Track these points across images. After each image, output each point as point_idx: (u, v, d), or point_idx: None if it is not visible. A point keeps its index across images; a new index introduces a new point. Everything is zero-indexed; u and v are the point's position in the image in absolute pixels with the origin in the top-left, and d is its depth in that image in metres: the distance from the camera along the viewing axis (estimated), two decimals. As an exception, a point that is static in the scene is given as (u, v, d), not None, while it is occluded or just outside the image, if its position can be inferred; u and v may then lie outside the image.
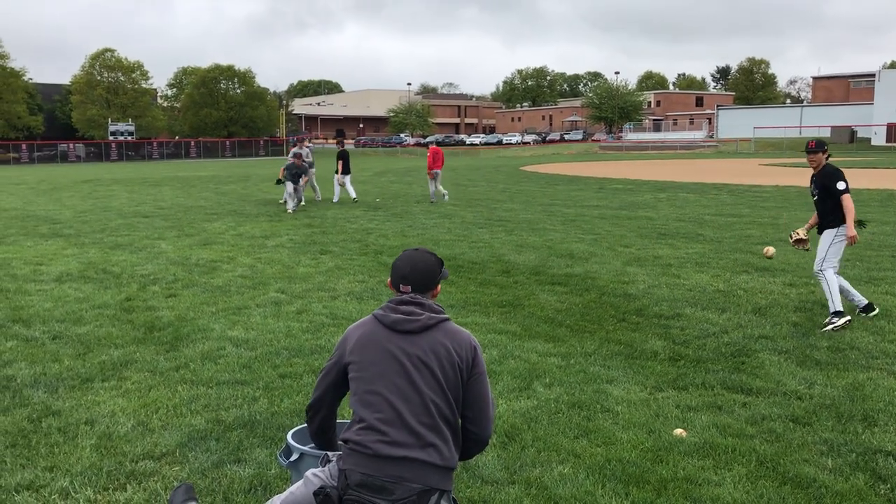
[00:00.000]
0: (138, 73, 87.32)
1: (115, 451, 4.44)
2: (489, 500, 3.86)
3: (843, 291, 7.33)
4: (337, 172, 21.27)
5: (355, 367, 2.97)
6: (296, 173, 18.62)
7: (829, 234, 7.38)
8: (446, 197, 21.11)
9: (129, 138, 79.27)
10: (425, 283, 3.05)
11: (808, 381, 5.62)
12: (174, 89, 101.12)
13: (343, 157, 21.32)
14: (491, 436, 3.09)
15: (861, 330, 6.99)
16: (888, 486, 3.98)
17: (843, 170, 7.56)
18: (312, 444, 3.32)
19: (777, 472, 4.13)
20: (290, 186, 18.56)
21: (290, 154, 19.91)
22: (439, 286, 3.15)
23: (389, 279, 3.11)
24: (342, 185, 21.33)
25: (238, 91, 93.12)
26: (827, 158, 7.43)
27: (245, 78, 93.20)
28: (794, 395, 5.33)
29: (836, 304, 7.07)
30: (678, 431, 4.66)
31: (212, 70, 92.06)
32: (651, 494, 3.87)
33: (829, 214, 7.36)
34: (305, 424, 3.30)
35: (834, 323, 6.98)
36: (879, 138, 72.15)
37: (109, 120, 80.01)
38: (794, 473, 4.10)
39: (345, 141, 23.19)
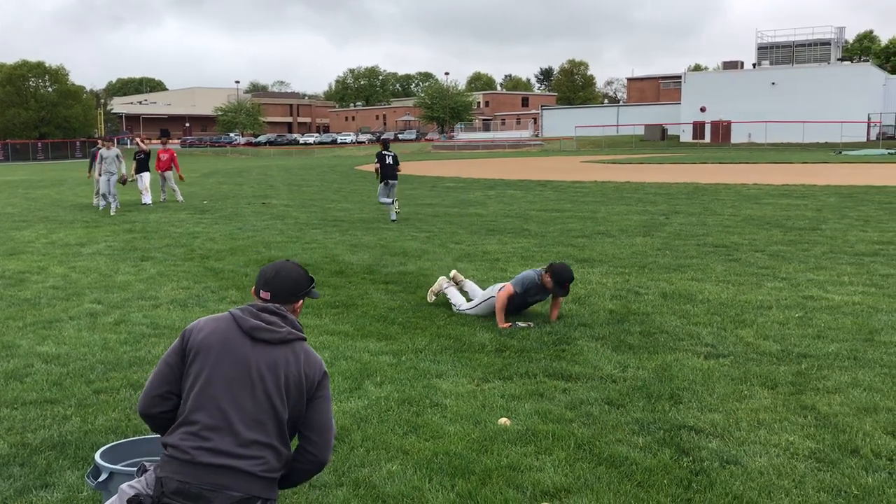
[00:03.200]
0: (-69, 68, 79.54)
1: None
2: None
3: None
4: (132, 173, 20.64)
5: (197, 361, 2.83)
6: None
7: None
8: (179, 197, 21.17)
9: (-78, 140, 71.98)
10: (287, 294, 2.99)
11: (622, 364, 5.97)
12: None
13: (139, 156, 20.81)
14: (329, 461, 3.04)
15: (669, 314, 7.52)
16: (690, 458, 4.30)
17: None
18: (125, 462, 3.15)
19: (593, 453, 4.36)
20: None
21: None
22: (301, 302, 3.06)
23: (254, 286, 3.04)
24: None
25: (50, 89, 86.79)
26: None
27: (57, 75, 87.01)
28: (609, 378, 5.65)
29: None
30: (502, 420, 4.82)
31: (19, 66, 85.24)
32: (476, 484, 3.98)
33: None
34: (116, 442, 3.13)
35: None
36: (686, 135, 77.95)
37: None
38: (609, 454, 4.35)
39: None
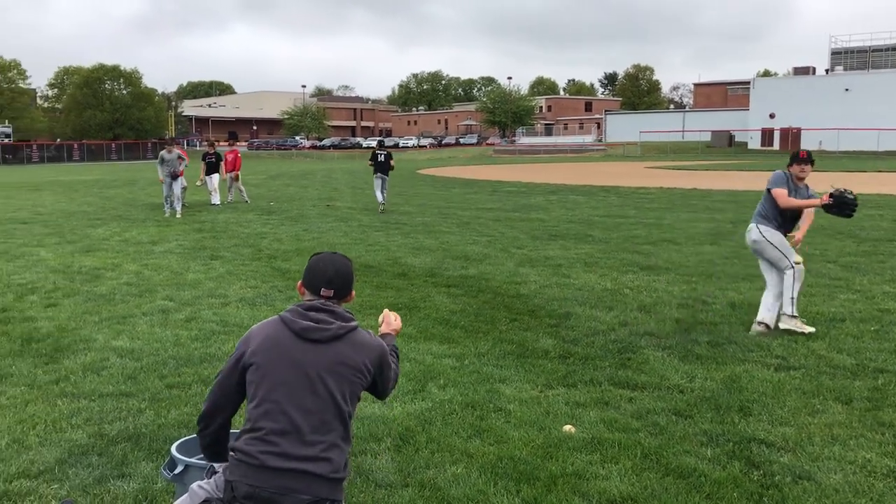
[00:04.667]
0: (15, 72, 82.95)
1: (-14, 472, 4.19)
2: None
3: None
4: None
5: (255, 370, 2.85)
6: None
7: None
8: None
9: (6, 140, 75.15)
10: (347, 289, 3.00)
11: (689, 374, 5.87)
12: (55, 90, 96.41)
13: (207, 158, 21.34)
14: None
15: (738, 325, 7.36)
16: (761, 472, 4.20)
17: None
18: (199, 456, 3.23)
19: (660, 463, 4.30)
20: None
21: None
22: (353, 293, 3.10)
23: (301, 282, 2.99)
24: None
25: (124, 92, 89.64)
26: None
27: (131, 78, 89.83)
28: (676, 388, 5.56)
29: None
30: (567, 428, 4.79)
31: (96, 70, 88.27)
32: (541, 491, 3.96)
33: None
34: (191, 436, 3.19)
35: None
36: (755, 142, 76.16)
37: (-17, 121, 75.61)
38: (676, 464, 4.28)
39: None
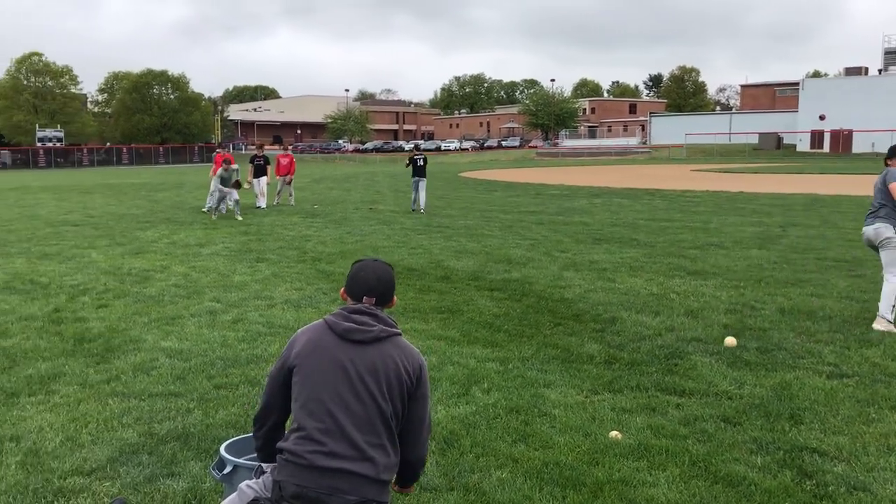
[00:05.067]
0: (67, 77, 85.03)
1: (42, 468, 4.29)
2: (428, 507, 3.86)
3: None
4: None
5: (300, 372, 2.90)
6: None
7: None
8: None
9: (58, 144, 77.05)
10: (389, 296, 3.03)
11: (738, 381, 5.77)
12: (105, 94, 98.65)
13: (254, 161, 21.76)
14: (424, 458, 3.05)
15: (788, 331, 7.22)
16: (813, 482, 4.11)
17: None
18: (248, 456, 3.26)
19: (709, 471, 4.23)
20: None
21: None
22: (395, 298, 3.13)
23: (344, 289, 3.04)
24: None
25: (172, 97, 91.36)
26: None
27: (179, 83, 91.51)
28: (724, 395, 5.47)
29: None
30: (613, 434, 4.73)
31: (144, 75, 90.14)
32: (587, 497, 3.92)
33: None
34: (240, 437, 3.23)
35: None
36: (804, 145, 74.69)
37: (37, 126, 77.58)
38: (726, 472, 4.21)
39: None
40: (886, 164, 7.49)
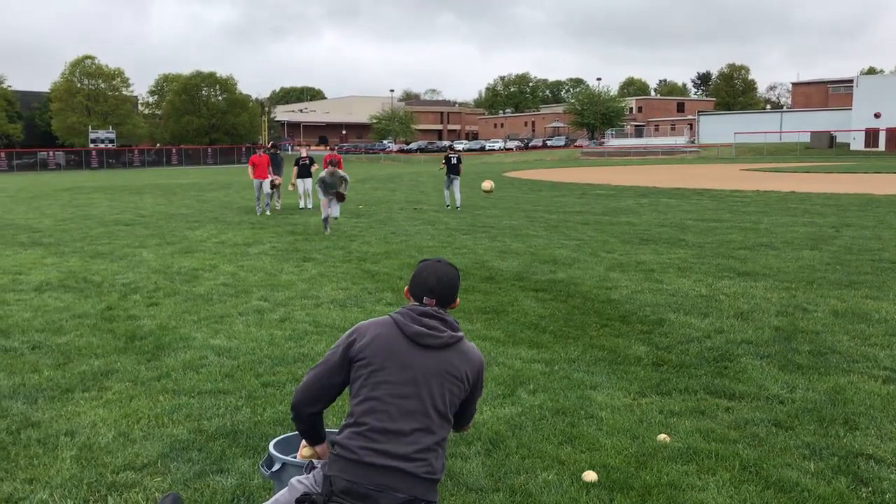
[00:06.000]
0: (119, 80, 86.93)
1: (95, 463, 4.39)
2: (474, 507, 3.84)
3: None
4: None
5: (364, 365, 2.90)
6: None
7: None
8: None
9: (110, 146, 78.75)
10: (451, 298, 3.04)
11: (789, 385, 5.65)
12: (155, 96, 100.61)
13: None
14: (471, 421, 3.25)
15: (842, 334, 7.04)
16: (869, 489, 4.00)
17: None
18: (294, 454, 3.28)
19: (760, 476, 4.15)
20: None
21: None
22: (458, 299, 3.13)
23: (408, 288, 3.05)
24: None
25: (220, 98, 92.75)
26: None
27: (227, 85, 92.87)
28: (776, 399, 5.35)
29: None
30: (662, 437, 4.67)
31: (193, 77, 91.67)
32: (635, 500, 3.87)
33: None
34: (288, 434, 3.25)
35: None
36: (858, 143, 72.97)
37: (90, 127, 79.48)
38: (777, 478, 4.12)
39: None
40: None
